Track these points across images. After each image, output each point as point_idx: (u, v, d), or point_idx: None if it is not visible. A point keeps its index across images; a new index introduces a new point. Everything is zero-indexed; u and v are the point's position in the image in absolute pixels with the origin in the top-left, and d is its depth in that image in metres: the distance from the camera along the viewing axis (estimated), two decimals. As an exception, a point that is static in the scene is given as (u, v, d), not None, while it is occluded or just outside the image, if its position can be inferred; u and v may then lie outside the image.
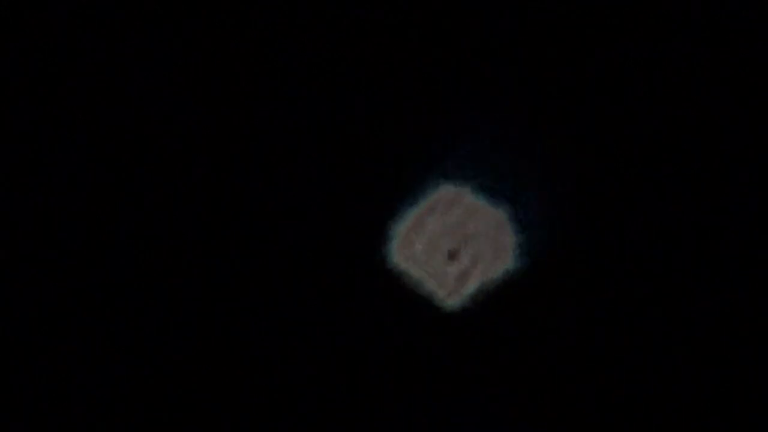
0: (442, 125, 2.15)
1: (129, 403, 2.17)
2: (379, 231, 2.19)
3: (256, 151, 2.20)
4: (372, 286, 2.19)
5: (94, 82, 2.17)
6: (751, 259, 2.11)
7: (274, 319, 2.20)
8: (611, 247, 2.15)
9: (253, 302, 2.21)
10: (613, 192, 2.15)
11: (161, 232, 2.19)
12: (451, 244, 2.19)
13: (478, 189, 2.16)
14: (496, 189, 2.16)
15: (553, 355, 2.16)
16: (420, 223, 2.19)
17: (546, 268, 2.16)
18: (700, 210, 2.13)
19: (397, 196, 2.18)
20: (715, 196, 2.11)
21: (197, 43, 2.17)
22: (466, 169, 2.16)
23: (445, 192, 2.18)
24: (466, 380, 2.17)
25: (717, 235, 2.12)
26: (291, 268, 2.19)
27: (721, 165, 2.11)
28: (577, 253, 2.16)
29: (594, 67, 2.13)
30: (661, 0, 2.10)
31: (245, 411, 2.18)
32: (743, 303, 2.11)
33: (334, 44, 2.15)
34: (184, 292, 2.19)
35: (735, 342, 2.11)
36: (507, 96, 2.13)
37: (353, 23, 2.15)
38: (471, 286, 2.18)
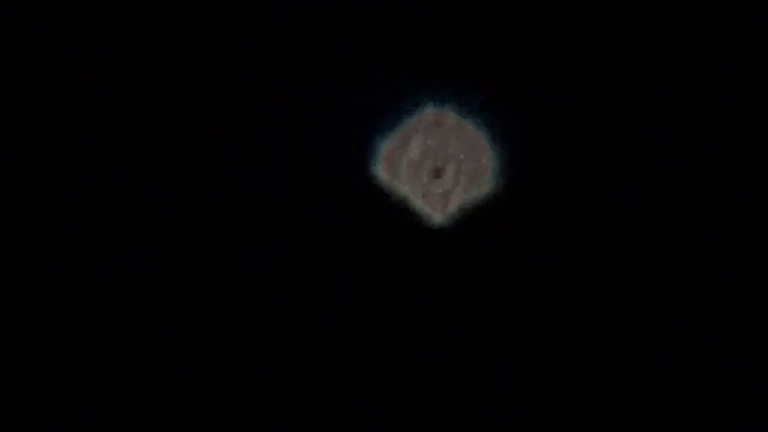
0: (427, 49, 2.26)
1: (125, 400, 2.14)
2: (366, 149, 2.25)
3: (240, 74, 2.25)
4: (359, 200, 2.23)
5: (94, 81, 2.21)
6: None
7: (259, 233, 2.20)
8: (589, 170, 2.27)
9: (236, 222, 2.22)
10: (593, 118, 2.28)
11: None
12: (436, 163, 2.26)
13: (461, 111, 2.27)
14: (479, 111, 2.27)
15: (535, 272, 2.24)
16: (405, 143, 2.27)
17: (526, 188, 2.26)
18: (676, 139, 2.28)
19: (383, 116, 2.26)
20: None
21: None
22: (450, 91, 2.27)
23: (428, 113, 2.27)
24: (452, 291, 2.21)
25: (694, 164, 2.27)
26: (277, 183, 2.22)
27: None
28: (555, 174, 2.27)
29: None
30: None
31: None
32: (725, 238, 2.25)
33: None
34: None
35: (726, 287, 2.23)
36: (492, 24, 2.27)
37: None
38: (455, 203, 2.25)
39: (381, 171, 2.25)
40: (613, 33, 2.25)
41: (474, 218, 2.24)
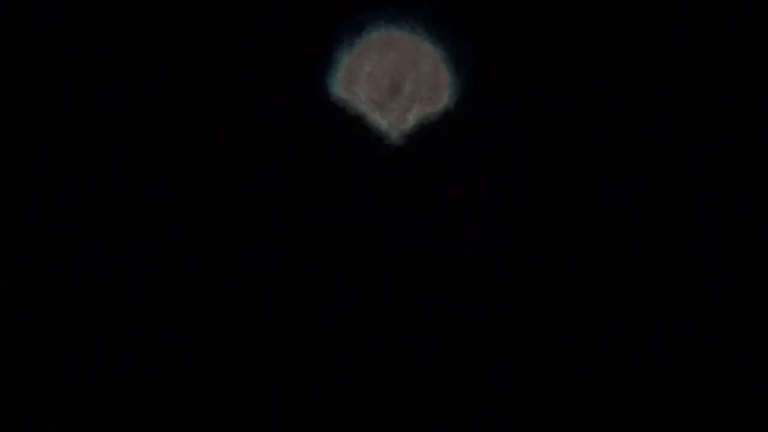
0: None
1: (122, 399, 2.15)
2: (323, 65, 2.27)
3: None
4: (318, 116, 2.25)
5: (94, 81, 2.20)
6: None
7: (221, 157, 2.22)
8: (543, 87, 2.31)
9: (198, 145, 2.23)
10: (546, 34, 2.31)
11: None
12: (392, 79, 2.29)
13: (416, 29, 2.29)
14: (434, 29, 2.29)
15: (490, 189, 2.28)
16: (361, 60, 2.29)
17: (480, 104, 2.29)
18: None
19: (339, 33, 2.27)
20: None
21: None
22: (405, 9, 2.28)
23: (384, 32, 2.29)
24: (409, 208, 2.24)
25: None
26: (239, 103, 2.23)
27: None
28: (509, 91, 2.30)
29: None
30: None
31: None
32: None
33: None
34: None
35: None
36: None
37: None
38: (412, 119, 2.28)
39: (338, 87, 2.27)
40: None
41: (430, 133, 2.28)
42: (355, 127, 2.26)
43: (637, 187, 2.26)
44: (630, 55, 2.29)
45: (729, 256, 2.22)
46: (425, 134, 2.27)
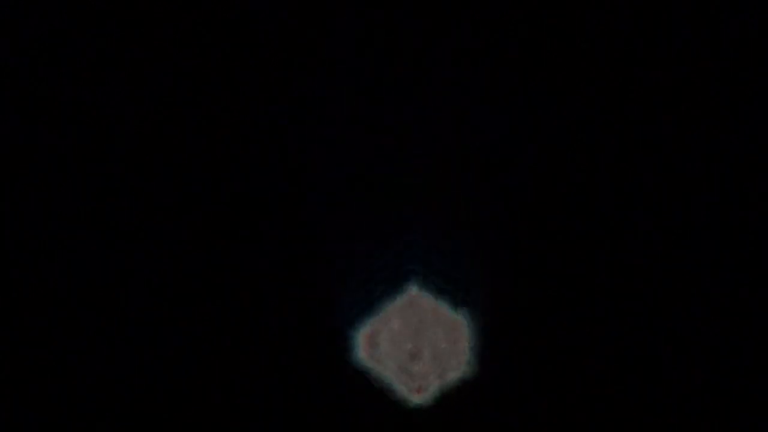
0: (403, 236, 2.42)
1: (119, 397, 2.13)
2: (346, 334, 2.36)
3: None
4: (341, 384, 2.31)
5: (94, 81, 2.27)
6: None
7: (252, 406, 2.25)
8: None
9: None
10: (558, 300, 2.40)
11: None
12: (413, 344, 2.37)
13: (437, 295, 2.40)
14: (454, 295, 2.40)
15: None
16: (383, 326, 2.39)
17: (498, 371, 2.36)
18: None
19: (361, 301, 2.38)
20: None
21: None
22: (426, 276, 2.41)
23: (406, 297, 2.41)
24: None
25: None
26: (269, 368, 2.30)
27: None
28: (524, 360, 2.37)
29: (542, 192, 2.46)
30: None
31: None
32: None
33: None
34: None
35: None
36: (467, 211, 2.44)
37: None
38: (433, 384, 2.34)
39: (360, 354, 2.35)
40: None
41: (450, 400, 2.32)
42: (376, 391, 2.31)
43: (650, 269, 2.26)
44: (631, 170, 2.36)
45: (729, 255, 2.21)
46: (445, 400, 2.32)
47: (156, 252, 2.25)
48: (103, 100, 2.24)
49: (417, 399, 2.32)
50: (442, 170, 2.42)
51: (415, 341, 2.38)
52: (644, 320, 2.34)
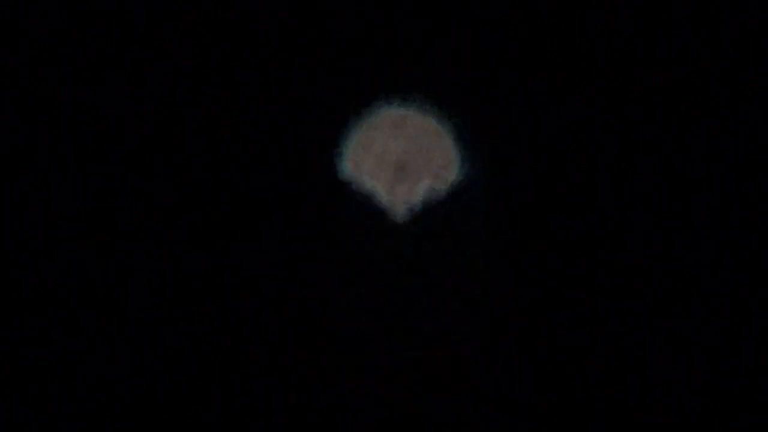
0: (391, 54, 2.36)
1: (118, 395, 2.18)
2: (332, 147, 2.34)
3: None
4: (329, 195, 2.31)
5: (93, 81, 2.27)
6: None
7: (228, 227, 2.27)
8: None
9: (207, 220, 2.29)
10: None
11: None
12: (399, 157, 2.36)
13: (423, 109, 2.37)
14: (441, 108, 2.36)
15: (499, 263, 2.32)
16: (369, 141, 2.37)
17: (486, 179, 2.35)
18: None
19: (347, 116, 2.36)
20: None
21: None
22: (412, 89, 2.37)
23: (391, 111, 2.38)
24: (417, 283, 2.28)
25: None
26: (248, 181, 2.30)
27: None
28: (514, 164, 2.36)
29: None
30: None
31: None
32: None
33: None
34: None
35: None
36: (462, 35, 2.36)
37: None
38: (418, 196, 2.34)
39: (347, 165, 2.34)
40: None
41: (437, 210, 2.33)
42: (362, 203, 2.33)
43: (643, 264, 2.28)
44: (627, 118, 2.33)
45: (729, 255, 2.23)
46: (432, 211, 2.33)
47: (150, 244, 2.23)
48: (104, 100, 2.21)
49: (403, 210, 2.33)
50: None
51: (401, 153, 2.37)
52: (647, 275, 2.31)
